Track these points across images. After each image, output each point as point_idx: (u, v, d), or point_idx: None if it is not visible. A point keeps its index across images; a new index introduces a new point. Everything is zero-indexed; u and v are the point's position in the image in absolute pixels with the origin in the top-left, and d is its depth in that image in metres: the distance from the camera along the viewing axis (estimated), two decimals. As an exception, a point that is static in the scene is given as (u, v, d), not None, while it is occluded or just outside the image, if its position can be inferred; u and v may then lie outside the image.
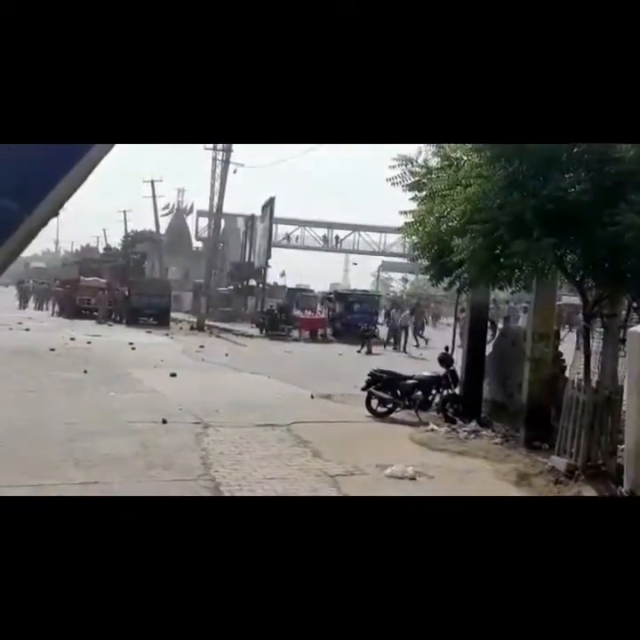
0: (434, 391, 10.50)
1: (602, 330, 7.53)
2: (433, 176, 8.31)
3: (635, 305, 8.07)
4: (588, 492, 6.61)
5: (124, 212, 57.79)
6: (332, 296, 32.62)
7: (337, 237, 61.03)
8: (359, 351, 21.87)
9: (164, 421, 8.79)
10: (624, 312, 7.96)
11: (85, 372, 12.97)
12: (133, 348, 18.04)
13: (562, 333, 9.46)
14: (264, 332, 27.38)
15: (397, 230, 10.04)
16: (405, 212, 8.75)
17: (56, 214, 1.30)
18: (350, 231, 60.57)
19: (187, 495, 5.93)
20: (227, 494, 6.02)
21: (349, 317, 28.14)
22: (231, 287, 41.07)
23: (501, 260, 6.93)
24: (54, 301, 35.42)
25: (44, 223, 1.30)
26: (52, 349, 16.13)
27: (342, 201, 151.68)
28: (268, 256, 35.09)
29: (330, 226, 60.63)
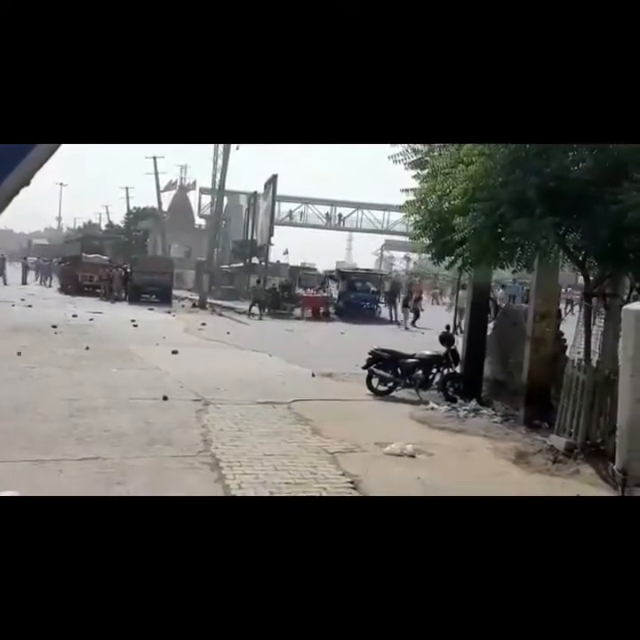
0: (434, 370, 10.52)
1: (604, 309, 7.52)
2: (435, 153, 8.26)
3: (637, 285, 8.04)
4: (586, 469, 6.65)
5: (126, 188, 57.64)
6: (334, 274, 32.59)
7: (340, 215, 60.82)
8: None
9: (165, 398, 8.83)
10: (627, 291, 7.94)
11: (87, 348, 13.00)
12: (135, 326, 18.08)
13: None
14: (266, 310, 27.40)
15: (399, 208, 9.99)
16: (407, 190, 8.71)
17: (27, 184, 1.30)
18: (353, 209, 60.34)
19: (187, 471, 5.99)
20: (226, 470, 6.06)
21: (352, 296, 28.14)
22: (234, 265, 41.05)
23: (503, 238, 6.90)
24: (57, 278, 35.43)
25: (11, 198, 1.30)
26: (55, 326, 16.16)
27: (346, 178, 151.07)
28: (271, 234, 34.99)
29: (333, 203, 60.37)
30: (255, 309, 25.97)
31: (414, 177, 8.70)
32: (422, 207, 8.27)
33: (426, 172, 8.45)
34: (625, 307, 6.43)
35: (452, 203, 7.39)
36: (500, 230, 6.86)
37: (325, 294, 29.99)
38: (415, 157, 8.58)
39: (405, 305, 25.58)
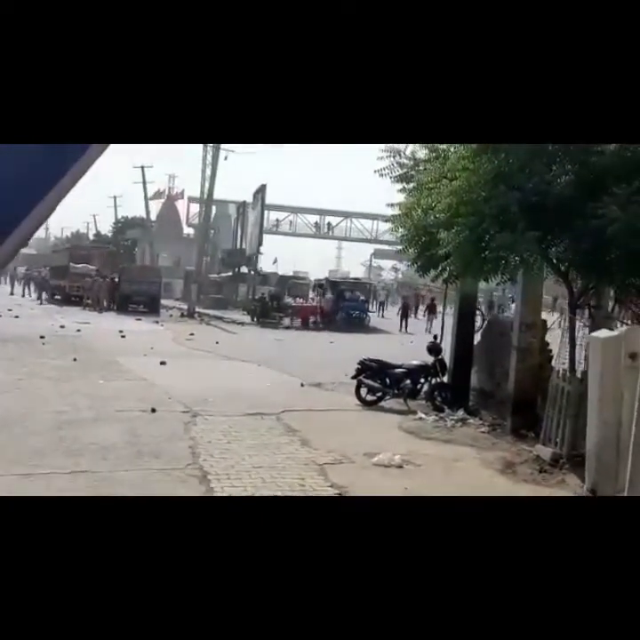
0: (422, 380, 10.58)
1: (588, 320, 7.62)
2: (420, 168, 8.35)
3: (620, 297, 8.15)
4: (572, 479, 6.72)
5: (114, 197, 57.55)
6: (323, 283, 32.65)
7: (329, 224, 60.91)
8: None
9: (153, 410, 8.83)
10: (610, 302, 8.05)
11: (75, 359, 12.97)
12: (123, 336, 18.03)
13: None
14: (255, 319, 27.39)
15: (385, 221, 10.10)
16: (392, 205, 8.80)
17: (53, 211, 1.32)
18: (342, 218, 60.49)
19: (175, 484, 6.00)
20: (214, 482, 6.09)
21: (341, 305, 28.22)
22: (223, 274, 41.00)
23: (486, 252, 6.99)
24: (44, 288, 35.22)
25: (41, 223, 1.32)
26: (42, 337, 16.11)
27: (335, 187, 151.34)
28: (260, 243, 35.02)
29: (322, 212, 60.48)
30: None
31: (400, 191, 8.81)
32: (408, 221, 8.35)
33: (411, 185, 8.54)
34: (591, 334, 6.53)
35: (437, 217, 7.48)
36: (483, 244, 6.95)
37: (315, 304, 30.03)
38: (401, 171, 8.68)
39: (431, 312, 27.24)
